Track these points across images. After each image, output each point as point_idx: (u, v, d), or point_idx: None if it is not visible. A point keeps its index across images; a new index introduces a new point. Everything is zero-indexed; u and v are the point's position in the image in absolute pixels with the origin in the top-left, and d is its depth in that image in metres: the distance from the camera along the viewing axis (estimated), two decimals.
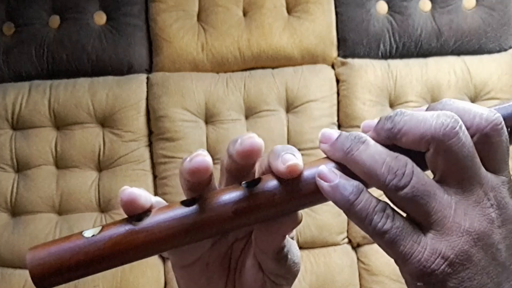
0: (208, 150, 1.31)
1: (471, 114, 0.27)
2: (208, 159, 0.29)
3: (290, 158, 0.29)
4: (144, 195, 0.30)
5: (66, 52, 1.34)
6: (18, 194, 1.29)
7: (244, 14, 1.38)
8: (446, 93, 1.35)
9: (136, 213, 0.30)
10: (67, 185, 1.30)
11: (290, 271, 0.34)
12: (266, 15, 1.36)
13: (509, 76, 1.38)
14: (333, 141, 0.29)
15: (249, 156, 0.29)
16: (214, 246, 0.34)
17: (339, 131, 0.30)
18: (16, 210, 1.30)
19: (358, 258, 1.32)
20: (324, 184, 0.28)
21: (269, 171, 0.30)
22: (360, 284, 1.30)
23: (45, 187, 1.30)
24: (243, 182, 0.30)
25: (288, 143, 1.32)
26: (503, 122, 0.27)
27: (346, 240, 1.34)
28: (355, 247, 1.34)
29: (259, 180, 0.30)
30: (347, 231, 1.33)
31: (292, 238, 0.35)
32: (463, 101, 0.28)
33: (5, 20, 1.36)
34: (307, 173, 0.29)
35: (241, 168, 0.31)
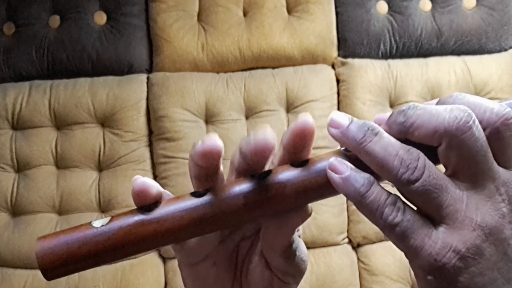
0: None
1: (482, 109, 0.27)
2: (220, 142, 0.29)
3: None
4: (156, 186, 0.30)
5: (66, 52, 1.34)
6: (18, 194, 1.29)
7: (244, 14, 1.38)
8: (446, 93, 1.35)
9: (147, 203, 0.29)
10: (67, 185, 1.30)
11: (298, 269, 0.34)
12: (266, 15, 1.36)
13: (509, 76, 1.38)
14: (344, 128, 0.29)
15: (262, 152, 0.29)
16: (222, 244, 0.34)
17: (349, 116, 0.29)
18: (16, 210, 1.30)
19: (358, 258, 1.32)
20: (335, 176, 0.28)
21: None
22: (360, 284, 1.30)
23: (45, 187, 1.30)
24: (253, 174, 0.30)
25: None
26: None
27: (346, 240, 1.34)
28: (355, 247, 1.34)
29: (269, 172, 0.30)
30: (347, 231, 1.33)
31: (299, 236, 0.35)
32: (474, 96, 0.28)
33: (5, 20, 1.36)
34: (318, 165, 0.29)
35: (251, 170, 0.31)
